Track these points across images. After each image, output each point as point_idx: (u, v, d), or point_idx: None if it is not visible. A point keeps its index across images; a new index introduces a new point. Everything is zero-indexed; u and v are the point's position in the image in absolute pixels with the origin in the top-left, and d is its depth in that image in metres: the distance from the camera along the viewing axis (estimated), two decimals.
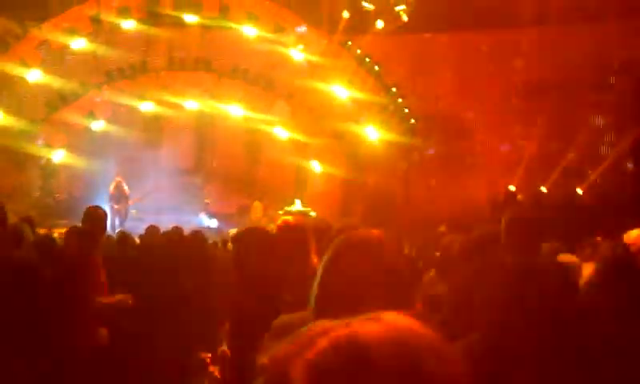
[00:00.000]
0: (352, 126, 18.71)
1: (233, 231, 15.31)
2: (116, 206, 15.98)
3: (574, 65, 18.62)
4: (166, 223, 10.62)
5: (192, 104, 19.02)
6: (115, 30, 18.59)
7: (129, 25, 18.41)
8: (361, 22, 19.16)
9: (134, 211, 17.19)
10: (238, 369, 3.60)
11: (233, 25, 18.58)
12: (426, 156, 19.86)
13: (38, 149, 17.65)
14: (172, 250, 7.55)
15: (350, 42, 18.71)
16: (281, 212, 16.80)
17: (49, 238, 5.75)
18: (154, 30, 18.86)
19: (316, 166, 18.76)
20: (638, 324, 2.97)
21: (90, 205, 6.08)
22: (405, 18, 19.44)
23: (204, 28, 19.06)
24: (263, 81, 18.55)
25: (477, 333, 2.52)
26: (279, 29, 18.45)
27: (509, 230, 3.32)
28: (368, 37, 19.07)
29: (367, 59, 18.53)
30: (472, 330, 2.52)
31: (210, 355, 7.14)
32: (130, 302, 5.23)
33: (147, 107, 18.86)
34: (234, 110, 18.75)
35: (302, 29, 18.57)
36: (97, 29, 18.30)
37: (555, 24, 18.56)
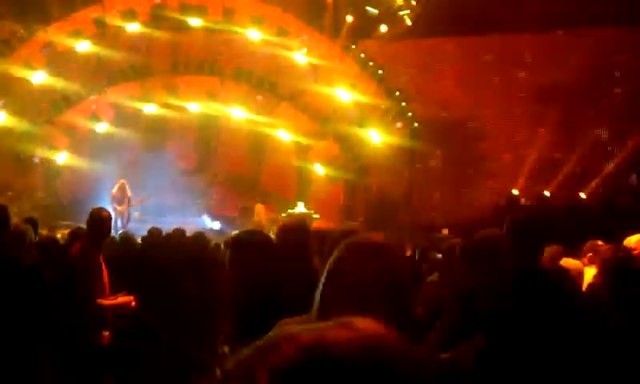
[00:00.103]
0: (355, 129, 18.73)
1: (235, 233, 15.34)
2: (119, 208, 15.99)
3: (579, 70, 18.61)
4: (168, 225, 10.63)
5: (195, 106, 19.04)
6: (119, 32, 18.65)
7: (133, 28, 18.47)
8: (365, 27, 19.19)
9: (136, 213, 17.20)
10: None
11: (237, 28, 18.62)
12: (429, 159, 19.84)
13: (41, 150, 17.68)
14: (174, 252, 7.56)
15: (353, 46, 18.74)
16: (284, 214, 16.81)
17: (51, 239, 5.76)
18: (157, 33, 18.91)
19: (319, 169, 18.76)
20: None
21: (94, 206, 6.08)
22: (409, 22, 19.46)
23: (208, 31, 19.11)
24: (267, 84, 18.58)
25: (475, 339, 2.53)
26: (283, 32, 18.48)
27: (511, 233, 3.32)
28: (372, 41, 19.11)
29: (371, 63, 18.55)
30: (474, 332, 2.52)
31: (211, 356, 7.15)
32: (133, 304, 5.24)
33: (150, 109, 18.89)
34: (237, 113, 18.77)
35: (304, 37, 18.59)
36: (101, 31, 18.37)
37: (560, 29, 18.54)
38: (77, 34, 17.99)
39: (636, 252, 5.01)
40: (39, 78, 17.81)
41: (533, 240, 3.35)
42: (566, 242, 5.63)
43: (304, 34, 18.55)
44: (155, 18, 18.41)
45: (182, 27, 18.82)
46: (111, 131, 18.48)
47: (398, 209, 17.29)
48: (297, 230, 3.79)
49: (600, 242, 6.01)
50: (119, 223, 16.55)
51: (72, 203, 18.64)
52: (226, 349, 4.02)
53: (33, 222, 6.61)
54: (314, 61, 18.64)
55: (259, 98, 18.86)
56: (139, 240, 8.82)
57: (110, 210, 8.50)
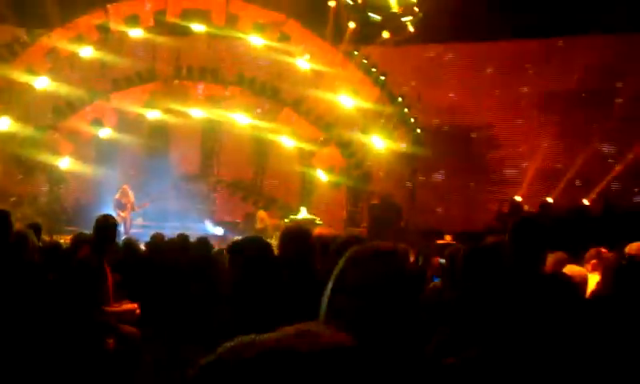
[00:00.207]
0: (358, 135, 18.74)
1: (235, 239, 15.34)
2: (122, 214, 16.01)
3: (582, 76, 18.64)
4: (171, 230, 10.64)
5: (198, 112, 19.06)
6: (123, 38, 18.70)
7: (136, 33, 18.52)
8: (367, 33, 19.21)
9: (139, 218, 17.22)
10: None
11: (240, 34, 18.66)
12: (431, 166, 19.84)
13: (45, 156, 17.70)
14: (177, 257, 7.55)
15: (356, 52, 18.75)
16: (287, 220, 16.80)
17: (55, 245, 5.76)
18: (161, 39, 18.96)
19: (322, 175, 18.76)
20: None
21: (100, 213, 6.11)
22: (411, 28, 19.48)
23: (211, 37, 19.15)
24: (269, 90, 18.60)
25: (478, 346, 2.52)
26: (285, 39, 18.51)
27: (514, 239, 3.31)
28: (375, 47, 19.13)
29: (373, 69, 18.57)
30: (478, 339, 2.52)
31: None
32: (138, 312, 5.24)
33: (154, 115, 18.92)
34: (240, 119, 18.79)
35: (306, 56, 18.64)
36: (104, 37, 18.41)
37: (564, 36, 18.55)
38: (80, 39, 18.04)
39: (638, 259, 5.01)
40: (42, 83, 17.85)
41: (535, 246, 3.35)
42: (569, 249, 5.62)
43: (306, 40, 18.57)
44: (158, 24, 18.45)
45: (185, 33, 18.88)
46: (114, 137, 18.50)
47: (401, 215, 17.26)
48: (299, 237, 3.79)
49: (603, 250, 5.99)
50: (122, 229, 16.58)
51: (75, 209, 18.68)
52: None
53: (36, 228, 6.62)
54: (317, 67, 18.66)
55: (258, 110, 18.85)
56: (142, 246, 8.83)
57: (114, 215, 8.53)
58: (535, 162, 19.09)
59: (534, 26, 17.97)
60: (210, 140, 20.92)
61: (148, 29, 18.50)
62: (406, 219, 17.90)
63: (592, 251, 5.92)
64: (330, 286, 1.83)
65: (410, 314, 1.76)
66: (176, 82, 18.56)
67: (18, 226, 6.02)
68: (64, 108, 18.08)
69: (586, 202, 17.05)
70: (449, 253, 4.84)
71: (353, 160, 18.54)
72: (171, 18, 18.27)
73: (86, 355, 3.10)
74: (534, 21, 17.57)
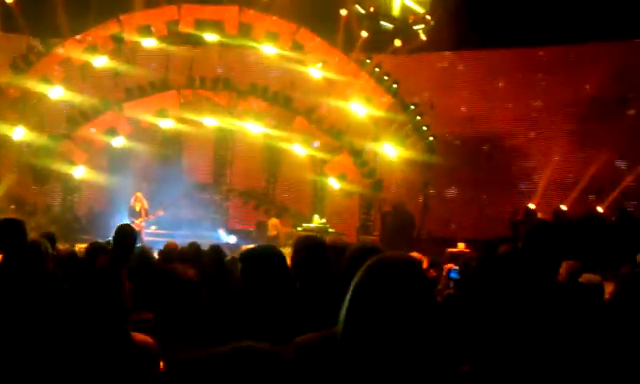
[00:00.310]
0: (370, 143, 18.74)
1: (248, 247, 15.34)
2: (136, 221, 16.08)
3: (596, 84, 18.56)
4: (184, 239, 10.65)
5: (211, 121, 19.14)
6: (136, 48, 18.83)
7: (149, 43, 18.64)
8: (379, 41, 19.24)
9: (153, 227, 17.28)
10: None
11: (252, 43, 18.73)
12: (445, 174, 19.78)
13: (59, 165, 17.82)
14: (191, 265, 7.54)
15: (368, 60, 18.77)
16: (299, 228, 16.81)
17: (71, 253, 5.79)
18: (174, 49, 19.07)
19: (334, 183, 18.76)
20: None
21: (114, 221, 6.16)
22: (423, 37, 19.50)
23: (223, 46, 19.24)
24: (282, 99, 18.64)
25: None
26: (298, 47, 18.56)
27: (528, 246, 3.29)
28: (387, 56, 19.16)
29: (385, 77, 18.58)
30: (493, 347, 2.51)
31: None
32: (153, 323, 5.22)
33: (167, 124, 19.01)
34: (253, 127, 18.84)
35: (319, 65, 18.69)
36: (118, 47, 18.55)
37: (586, 41, 18.46)
38: (94, 49, 18.18)
39: None
40: (57, 92, 17.99)
41: (549, 253, 3.33)
42: (584, 257, 5.58)
43: (319, 48, 18.61)
44: (171, 34, 18.56)
45: (198, 43, 18.98)
46: (128, 145, 18.60)
47: (414, 223, 17.22)
48: (313, 245, 3.79)
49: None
50: None
51: (88, 217, 18.79)
52: None
53: (50, 237, 6.65)
54: (329, 75, 18.69)
55: (269, 130, 18.83)
56: (156, 253, 8.84)
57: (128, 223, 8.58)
58: (549, 171, 19.00)
59: (547, 34, 17.90)
60: (223, 149, 20.99)
61: (161, 38, 18.61)
62: (418, 227, 17.87)
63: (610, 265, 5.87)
64: (348, 296, 1.83)
65: (429, 322, 1.76)
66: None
67: (32, 235, 6.06)
68: (78, 117, 18.20)
69: (600, 209, 16.95)
70: (462, 261, 4.83)
71: (365, 168, 18.53)
72: (184, 28, 18.37)
73: (108, 366, 3.10)
74: (547, 28, 17.50)
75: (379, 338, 1.73)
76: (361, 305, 1.79)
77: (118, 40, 18.35)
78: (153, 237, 16.40)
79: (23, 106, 18.08)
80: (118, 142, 18.49)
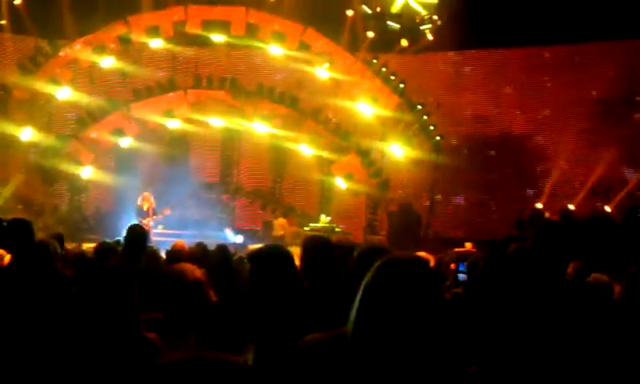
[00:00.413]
0: (377, 143, 18.74)
1: (255, 247, 15.36)
2: (144, 221, 16.12)
3: (605, 83, 18.51)
4: (191, 238, 10.67)
5: (218, 121, 19.18)
6: (143, 48, 18.89)
7: (156, 44, 18.69)
8: (386, 41, 19.25)
9: (160, 226, 17.31)
10: None
11: (259, 44, 18.76)
12: (452, 173, 19.76)
13: (66, 165, 17.89)
14: (198, 265, 7.56)
15: (375, 60, 18.76)
16: (306, 228, 16.82)
17: (83, 253, 5.81)
18: (181, 49, 19.13)
19: (341, 183, 18.76)
20: None
21: (121, 221, 6.19)
22: (430, 37, 19.47)
23: (230, 47, 19.28)
24: (288, 99, 18.65)
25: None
26: (305, 47, 18.57)
27: (536, 245, 3.29)
28: (394, 55, 19.16)
29: (392, 77, 18.56)
30: (500, 344, 2.51)
31: None
32: (163, 323, 5.24)
33: (174, 124, 19.06)
34: (260, 127, 18.87)
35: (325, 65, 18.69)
36: (125, 48, 18.60)
37: (591, 40, 18.41)
38: (101, 50, 18.24)
39: None
40: (65, 93, 18.06)
41: (558, 252, 3.32)
42: (592, 257, 5.56)
43: (325, 48, 18.61)
44: (178, 34, 18.61)
45: (205, 43, 19.02)
46: (135, 146, 18.65)
47: (421, 223, 17.21)
48: (321, 245, 3.80)
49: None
50: None
51: (96, 217, 18.85)
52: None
53: (58, 237, 6.69)
54: (336, 75, 18.70)
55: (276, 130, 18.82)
56: (163, 253, 8.86)
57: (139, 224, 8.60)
58: (556, 170, 18.95)
59: (553, 34, 17.85)
60: (230, 149, 21.03)
61: (168, 39, 18.66)
62: (425, 227, 17.86)
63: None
64: (359, 297, 1.84)
65: (438, 322, 1.77)
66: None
67: (40, 235, 6.09)
68: (85, 118, 18.27)
69: (607, 209, 16.89)
70: (470, 261, 4.83)
71: (372, 168, 18.52)
72: (191, 29, 18.41)
73: (119, 366, 3.11)
74: (553, 28, 17.45)
75: (390, 338, 1.74)
76: (371, 305, 1.80)
77: (125, 41, 18.40)
78: (160, 236, 16.44)
79: (31, 107, 18.15)
80: (125, 142, 18.54)
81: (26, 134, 17.50)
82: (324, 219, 17.51)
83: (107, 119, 18.28)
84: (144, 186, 17.52)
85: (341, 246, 4.40)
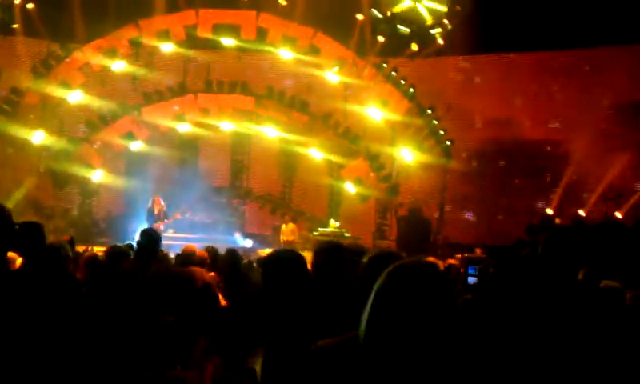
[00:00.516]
0: (387, 147, 18.73)
1: (267, 251, 15.37)
2: (155, 225, 16.17)
3: (614, 88, 18.44)
4: (200, 242, 10.70)
5: (228, 125, 19.24)
6: (154, 52, 18.97)
7: (167, 48, 18.77)
8: (396, 45, 19.24)
9: (170, 230, 17.37)
10: None
11: (269, 48, 18.80)
12: (462, 178, 19.71)
13: (78, 168, 17.98)
14: (207, 269, 7.59)
15: (385, 65, 18.75)
16: (315, 233, 16.82)
17: (92, 257, 5.84)
18: (191, 53, 19.20)
19: (350, 188, 18.76)
20: None
21: (131, 225, 6.21)
22: (440, 41, 19.45)
23: (241, 51, 19.33)
24: (299, 103, 18.67)
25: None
26: (315, 51, 18.60)
27: (547, 251, 3.28)
28: (404, 59, 19.16)
29: (402, 81, 18.54)
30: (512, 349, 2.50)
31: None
32: (175, 325, 5.25)
33: (184, 128, 19.13)
34: (269, 131, 18.91)
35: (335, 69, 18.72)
36: (136, 52, 18.69)
37: (598, 46, 18.36)
38: (113, 53, 18.33)
39: None
40: (76, 97, 18.16)
41: (569, 259, 3.31)
42: (603, 263, 5.53)
43: (335, 52, 18.63)
44: (189, 38, 18.68)
45: (216, 47, 19.08)
46: (146, 149, 18.73)
47: (430, 228, 17.18)
48: (333, 251, 3.80)
49: None
50: None
51: (106, 221, 18.93)
52: (257, 367, 4.03)
53: (69, 240, 6.73)
54: (346, 79, 18.71)
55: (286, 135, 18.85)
56: (172, 256, 8.89)
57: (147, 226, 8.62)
58: (567, 175, 18.87)
59: (567, 38, 17.79)
60: (240, 153, 21.08)
61: (179, 43, 18.73)
62: (435, 232, 17.82)
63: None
64: (370, 301, 1.84)
65: (450, 327, 1.77)
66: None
67: (50, 238, 6.12)
68: (97, 121, 18.36)
69: (618, 215, 16.81)
70: (480, 267, 4.81)
71: (382, 172, 18.51)
72: (202, 33, 18.48)
73: (132, 366, 3.14)
74: (567, 32, 17.39)
75: (401, 343, 1.74)
76: (383, 309, 1.81)
77: (136, 44, 18.49)
78: (170, 240, 16.49)
79: (42, 110, 18.26)
80: (136, 145, 18.62)
81: (38, 137, 17.61)
82: (333, 224, 17.50)
83: (118, 123, 18.36)
84: (154, 189, 17.58)
85: (351, 250, 4.40)
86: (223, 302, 7.11)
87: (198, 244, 9.73)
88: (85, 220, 18.68)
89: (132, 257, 5.96)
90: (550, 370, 2.48)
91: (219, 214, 19.23)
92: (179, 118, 18.75)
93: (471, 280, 5.80)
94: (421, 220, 16.67)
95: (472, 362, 1.88)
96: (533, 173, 19.85)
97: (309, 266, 3.83)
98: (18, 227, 5.77)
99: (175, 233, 17.29)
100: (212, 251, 8.69)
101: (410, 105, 18.55)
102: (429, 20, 19.47)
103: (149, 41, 18.44)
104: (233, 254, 8.81)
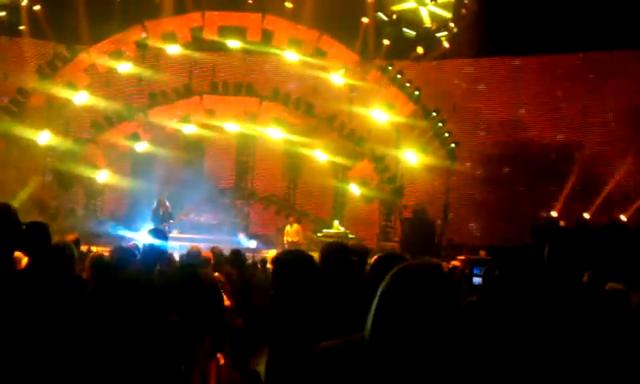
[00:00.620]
0: (392, 149, 18.73)
1: (271, 252, 15.38)
2: (160, 226, 16.17)
3: (620, 91, 18.40)
4: (205, 243, 10.72)
5: (233, 126, 19.27)
6: (160, 54, 19.01)
7: (173, 50, 18.81)
8: (402, 48, 19.25)
9: (175, 231, 17.39)
10: None
11: (275, 50, 18.82)
12: (467, 180, 19.69)
13: (83, 169, 18.02)
14: (212, 269, 7.60)
15: (390, 67, 18.76)
16: (319, 234, 16.82)
17: (99, 257, 5.84)
18: (197, 55, 19.23)
19: (355, 189, 18.76)
20: None
21: (136, 226, 6.22)
22: (446, 44, 19.44)
23: (246, 53, 19.36)
24: (304, 105, 18.69)
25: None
26: (320, 54, 18.62)
27: (552, 253, 3.29)
28: (410, 63, 19.16)
29: (407, 84, 18.54)
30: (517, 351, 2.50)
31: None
32: (180, 325, 5.27)
33: (190, 129, 19.16)
34: (274, 133, 18.92)
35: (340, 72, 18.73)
36: (142, 53, 18.74)
37: (604, 49, 18.34)
38: (118, 55, 18.38)
39: None
40: (82, 98, 18.21)
41: (574, 261, 3.31)
42: (607, 266, 5.53)
43: (341, 55, 18.65)
44: (195, 40, 18.71)
45: (221, 49, 19.11)
46: (151, 150, 18.76)
47: (435, 229, 17.16)
48: (340, 252, 3.81)
49: None
50: None
51: (111, 221, 18.94)
52: (261, 367, 4.04)
53: (75, 240, 6.75)
54: (351, 82, 18.72)
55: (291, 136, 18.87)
56: (177, 257, 8.91)
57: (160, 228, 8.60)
58: (572, 178, 18.82)
59: (571, 42, 17.77)
60: (245, 154, 21.10)
61: (184, 45, 18.77)
62: (439, 234, 17.81)
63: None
64: (375, 303, 1.85)
65: (455, 328, 1.78)
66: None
67: (55, 238, 6.14)
68: (102, 122, 18.40)
69: (623, 218, 16.78)
70: (486, 269, 4.82)
71: (386, 174, 18.51)
72: (208, 35, 18.51)
73: (138, 366, 3.15)
74: (572, 36, 17.37)
75: (406, 344, 1.75)
76: (387, 311, 1.81)
77: (142, 46, 18.53)
78: (174, 241, 16.49)
79: (48, 111, 18.31)
80: (141, 146, 18.65)
81: (43, 137, 17.66)
82: (337, 226, 17.50)
83: (123, 124, 18.40)
84: (159, 190, 17.60)
85: (356, 251, 4.42)
86: (227, 302, 7.14)
87: (202, 244, 9.76)
88: (90, 220, 18.70)
89: (138, 257, 5.97)
90: (555, 372, 2.49)
91: (224, 215, 19.24)
92: (185, 119, 18.78)
93: (476, 280, 5.81)
94: (425, 222, 16.65)
95: (477, 363, 1.89)
96: (538, 175, 19.79)
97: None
98: (24, 227, 5.79)
99: (180, 233, 17.30)
100: (217, 252, 8.72)
101: (415, 107, 18.55)
102: (427, 22, 19.46)
103: (155, 42, 18.48)
104: (237, 254, 8.84)
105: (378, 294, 1.86)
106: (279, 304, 3.62)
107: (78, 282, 4.60)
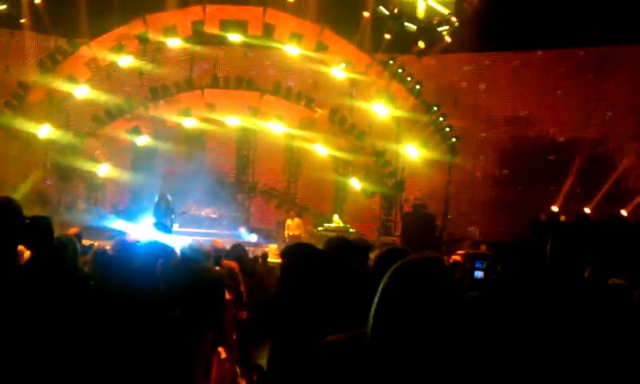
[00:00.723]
0: (392, 144, 18.73)
1: (272, 246, 15.41)
2: (162, 220, 16.17)
3: (619, 86, 18.39)
4: (206, 237, 10.73)
5: (234, 120, 19.27)
6: (161, 48, 18.99)
7: (174, 43, 18.79)
8: (403, 43, 19.23)
9: (176, 225, 17.40)
10: None
11: (276, 44, 18.80)
12: (468, 175, 19.70)
13: (84, 163, 18.03)
14: (213, 263, 7.61)
15: (391, 61, 18.72)
16: (320, 228, 16.83)
17: (102, 251, 5.86)
18: (198, 49, 19.20)
19: (355, 184, 18.76)
20: None
21: (136, 219, 6.23)
22: (448, 39, 19.42)
23: (247, 47, 19.34)
24: (305, 99, 18.68)
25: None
26: (322, 48, 18.59)
27: (554, 247, 3.29)
28: (411, 57, 19.14)
29: (409, 78, 18.52)
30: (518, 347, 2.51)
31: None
32: (182, 319, 5.28)
33: (190, 123, 19.16)
34: (275, 127, 18.92)
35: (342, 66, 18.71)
36: (143, 47, 18.72)
37: (608, 44, 18.32)
38: (120, 49, 18.35)
39: None
40: (83, 92, 18.20)
41: (576, 256, 3.32)
42: (608, 261, 5.53)
43: (342, 49, 18.62)
44: (196, 34, 18.68)
45: (222, 43, 19.09)
46: (152, 144, 18.77)
47: (435, 224, 17.17)
48: (342, 246, 3.82)
49: None
50: None
51: (113, 215, 18.95)
52: (264, 361, 4.05)
53: (77, 234, 6.75)
54: (352, 76, 18.71)
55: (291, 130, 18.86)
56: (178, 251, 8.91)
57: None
58: (572, 174, 18.83)
59: (574, 37, 17.74)
60: (246, 148, 21.11)
61: (185, 38, 18.74)
62: (439, 228, 17.82)
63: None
64: (377, 298, 1.86)
65: (456, 322, 1.79)
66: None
67: (57, 232, 6.15)
68: (103, 116, 18.39)
69: (623, 213, 16.79)
70: (487, 264, 4.83)
71: (387, 169, 18.51)
72: (209, 29, 18.48)
73: (142, 361, 3.16)
74: (574, 31, 17.34)
75: (408, 339, 1.76)
76: (389, 306, 1.82)
77: (143, 40, 18.50)
78: (175, 235, 16.48)
79: (49, 105, 18.30)
80: (142, 140, 18.65)
81: (44, 131, 17.65)
82: (337, 220, 17.53)
83: (124, 118, 18.40)
84: (160, 184, 17.61)
85: (357, 245, 4.43)
86: (228, 296, 7.15)
87: (203, 238, 9.77)
88: (91, 214, 18.70)
89: (140, 251, 5.98)
90: (557, 367, 2.50)
91: (224, 209, 19.27)
92: (185, 113, 18.77)
93: (478, 274, 5.82)
94: (425, 216, 16.66)
95: (479, 357, 1.90)
96: (539, 170, 19.80)
97: None
98: (28, 221, 5.80)
99: (181, 227, 17.32)
100: (218, 246, 8.72)
101: (416, 102, 18.54)
102: (422, 15, 19.41)
103: (156, 36, 18.45)
104: (239, 248, 8.85)
105: (380, 289, 1.86)
106: (286, 297, 3.62)
107: (81, 276, 4.61)
